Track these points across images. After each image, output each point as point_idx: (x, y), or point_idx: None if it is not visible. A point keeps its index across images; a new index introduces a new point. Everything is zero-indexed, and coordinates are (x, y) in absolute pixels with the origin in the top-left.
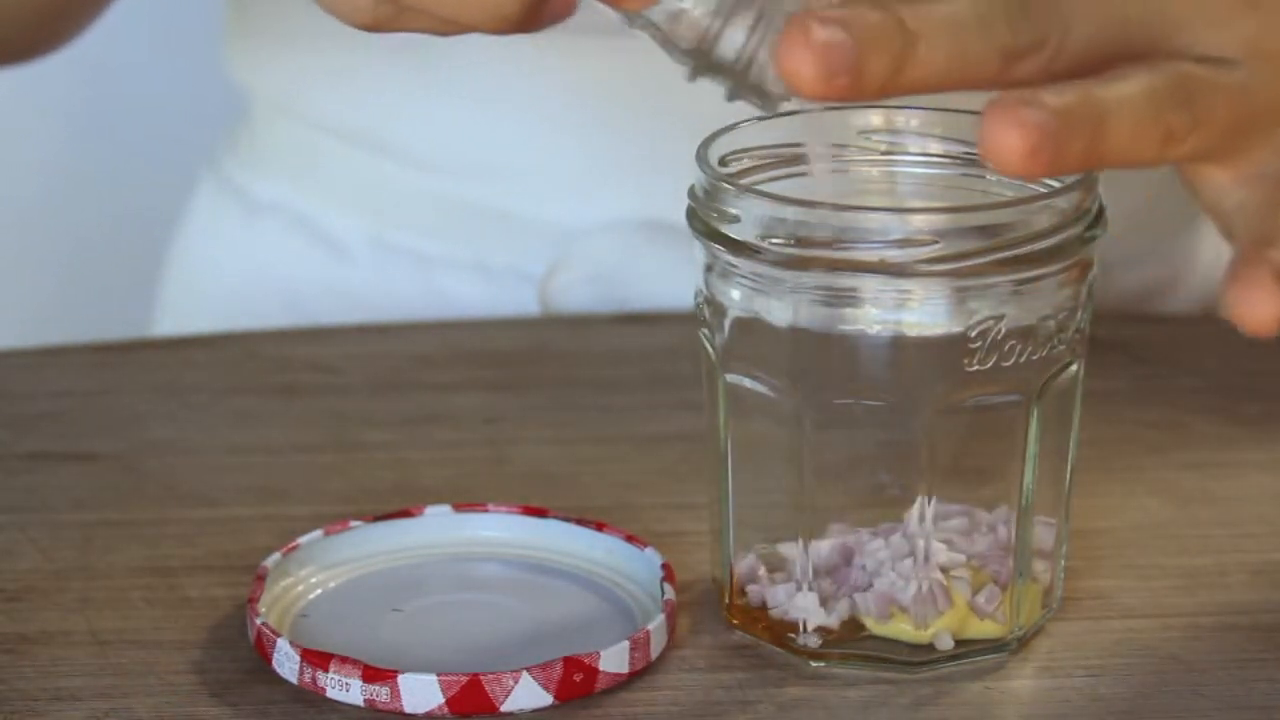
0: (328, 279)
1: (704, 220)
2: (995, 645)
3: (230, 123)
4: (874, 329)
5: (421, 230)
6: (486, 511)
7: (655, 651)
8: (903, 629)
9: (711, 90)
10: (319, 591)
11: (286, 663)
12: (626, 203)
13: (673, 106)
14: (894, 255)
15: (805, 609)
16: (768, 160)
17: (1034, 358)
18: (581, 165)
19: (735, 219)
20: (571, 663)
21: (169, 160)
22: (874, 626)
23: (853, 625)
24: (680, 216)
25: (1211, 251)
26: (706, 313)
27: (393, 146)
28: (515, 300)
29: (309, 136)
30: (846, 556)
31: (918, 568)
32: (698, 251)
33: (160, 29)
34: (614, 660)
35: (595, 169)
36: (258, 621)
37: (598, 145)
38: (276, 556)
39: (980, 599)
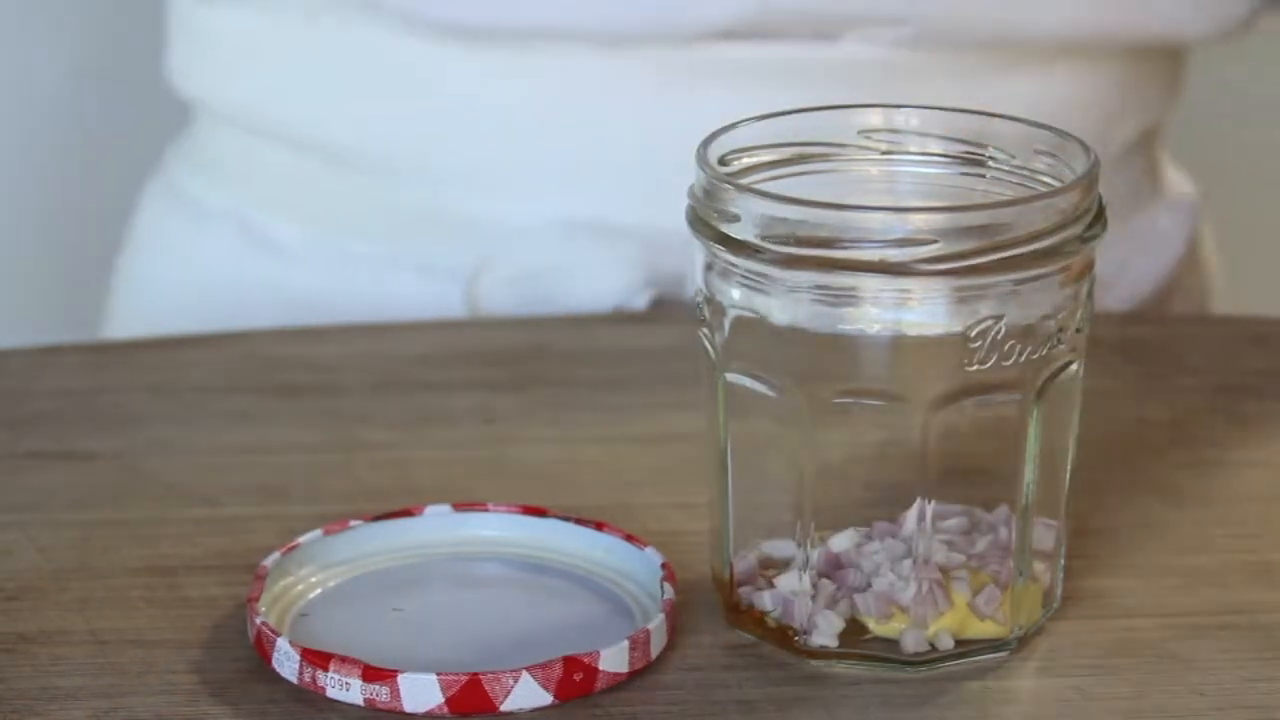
0: (274, 284)
1: (704, 219)
2: (995, 645)
3: (178, 129)
4: (874, 328)
5: (367, 233)
6: (486, 511)
7: (655, 651)
8: (903, 629)
9: (644, 94)
10: (319, 591)
11: (286, 662)
12: (566, 201)
13: (604, 109)
14: (894, 255)
15: (805, 608)
16: (767, 160)
17: (1034, 357)
18: (520, 164)
19: (735, 218)
20: (571, 662)
21: (123, 167)
22: (876, 627)
23: (855, 626)
24: (610, 215)
25: (1151, 243)
26: (706, 312)
27: (334, 150)
28: (457, 301)
29: (252, 142)
30: (846, 557)
31: (917, 568)
32: (697, 250)
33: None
34: (614, 660)
35: (533, 168)
36: (257, 621)
37: (535, 145)
38: (276, 556)
39: (980, 600)
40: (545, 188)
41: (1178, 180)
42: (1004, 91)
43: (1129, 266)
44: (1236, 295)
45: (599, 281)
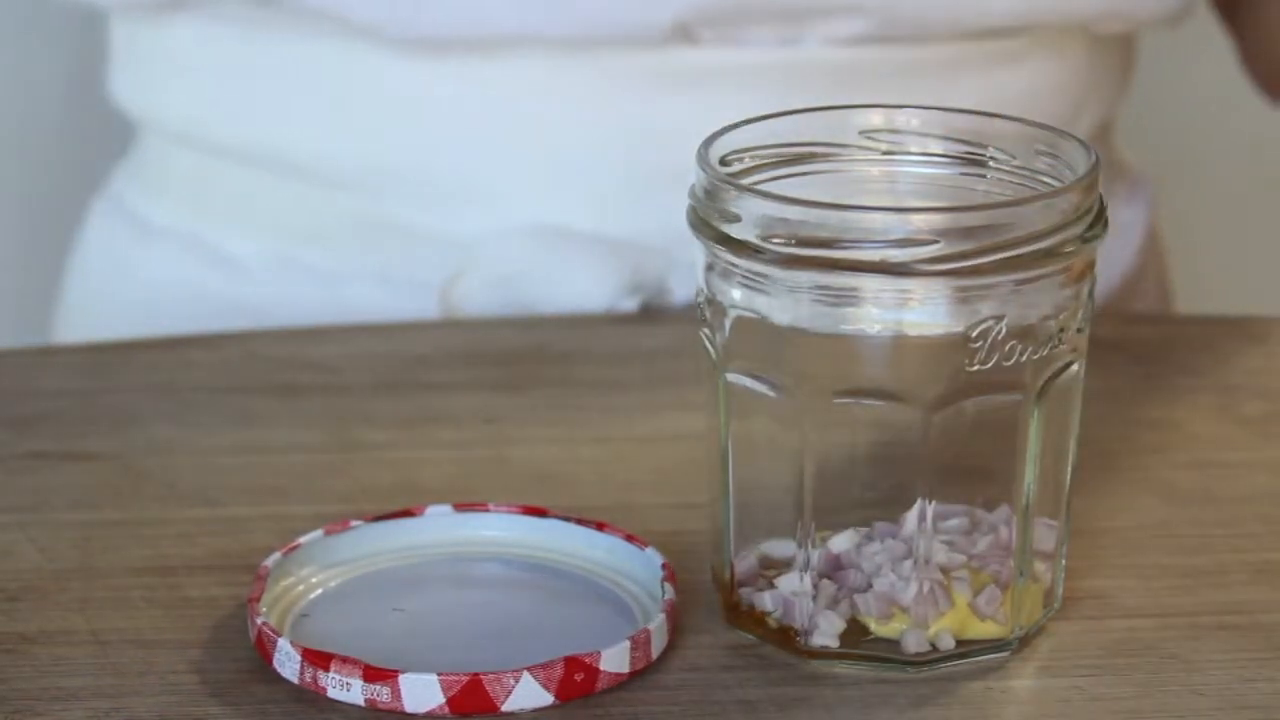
0: (227, 298)
1: (704, 220)
2: (996, 645)
3: (120, 147)
4: (874, 329)
5: (321, 245)
6: (487, 511)
7: (656, 651)
8: (904, 630)
9: (610, 101)
10: (320, 591)
11: (287, 662)
12: (523, 209)
13: (572, 114)
14: (895, 255)
15: (806, 609)
16: (768, 160)
17: (1035, 357)
18: (476, 174)
19: (735, 218)
20: (572, 662)
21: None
22: (876, 628)
23: (855, 627)
24: (578, 221)
25: (1129, 227)
26: (707, 312)
27: (286, 163)
28: (419, 311)
29: (201, 159)
30: (846, 557)
31: (918, 568)
32: (698, 251)
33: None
34: (615, 660)
35: (490, 177)
36: (258, 621)
37: (491, 154)
38: (277, 556)
39: (980, 600)
40: (509, 197)
41: (1133, 171)
42: (965, 88)
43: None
44: (1189, 286)
45: (578, 286)
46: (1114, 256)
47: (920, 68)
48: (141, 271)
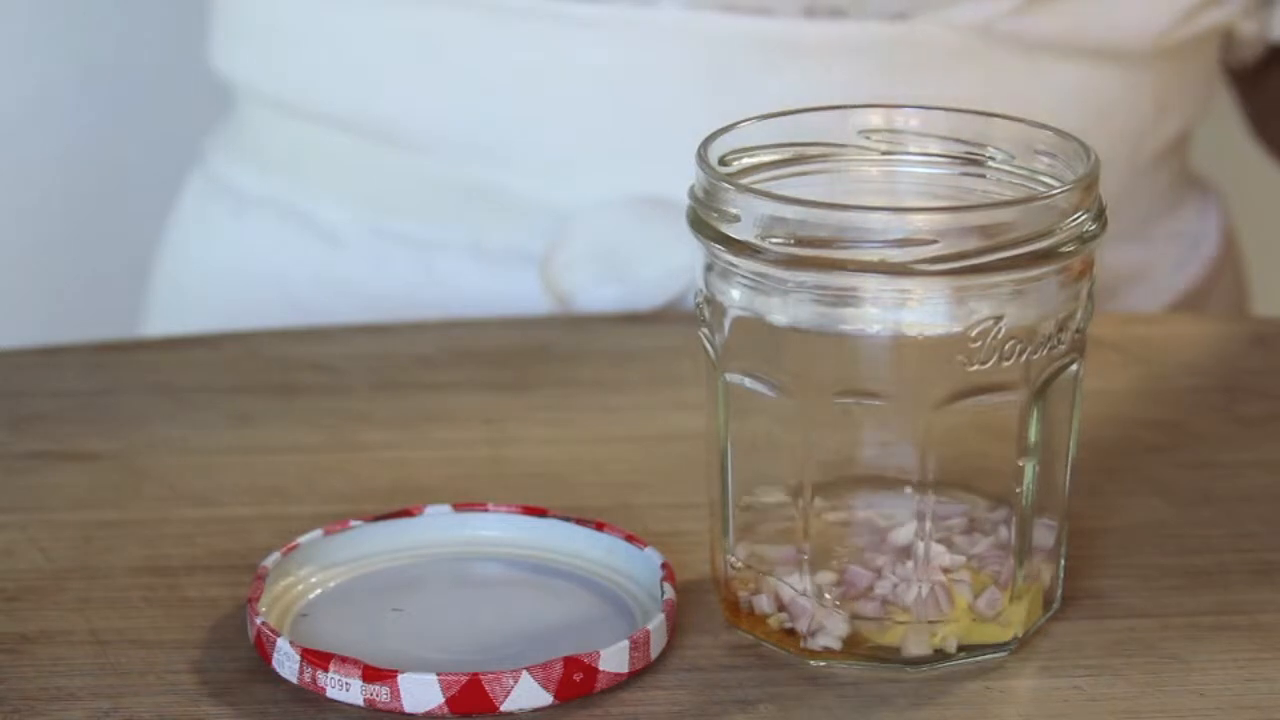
0: (323, 270)
1: (704, 220)
2: (996, 645)
3: (216, 119)
4: (874, 328)
5: (417, 215)
6: (486, 511)
7: (655, 651)
8: (904, 631)
9: (714, 70)
10: (319, 591)
11: (286, 662)
12: (624, 179)
13: (667, 84)
14: (894, 255)
15: (805, 609)
16: (767, 160)
17: (1034, 357)
18: (577, 142)
19: (735, 218)
20: (571, 662)
21: (160, 158)
22: (877, 629)
23: (855, 627)
24: (678, 192)
25: (1186, 243)
26: (706, 312)
27: (385, 131)
28: (513, 282)
29: (299, 127)
30: (846, 558)
31: (918, 569)
32: (698, 251)
33: (150, 25)
34: (614, 660)
35: (591, 146)
36: (258, 621)
37: (593, 122)
38: (276, 556)
39: (981, 602)
40: (608, 166)
41: (1205, 184)
42: (1054, 84)
43: (1164, 268)
44: (1269, 296)
45: (675, 257)
46: (1184, 266)
47: (1018, 60)
48: (236, 243)
